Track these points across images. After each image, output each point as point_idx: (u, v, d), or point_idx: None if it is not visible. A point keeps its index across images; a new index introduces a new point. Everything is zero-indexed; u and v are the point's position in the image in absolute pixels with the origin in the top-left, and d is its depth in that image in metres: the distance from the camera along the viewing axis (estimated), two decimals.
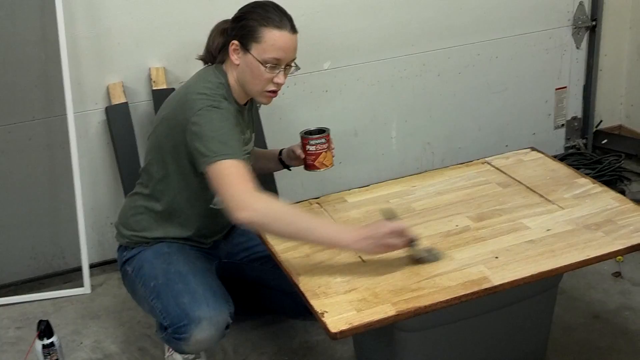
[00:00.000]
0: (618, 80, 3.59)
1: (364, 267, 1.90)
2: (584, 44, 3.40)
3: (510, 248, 1.94)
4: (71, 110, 2.57)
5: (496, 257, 1.90)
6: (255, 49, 2.02)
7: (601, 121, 3.60)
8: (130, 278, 2.19)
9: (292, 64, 2.09)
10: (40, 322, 2.21)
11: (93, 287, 2.76)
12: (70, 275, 2.83)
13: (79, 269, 2.77)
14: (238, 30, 2.05)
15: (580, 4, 3.31)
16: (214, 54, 2.14)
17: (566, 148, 3.56)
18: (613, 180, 3.28)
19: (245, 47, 2.04)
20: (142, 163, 2.67)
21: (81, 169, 2.65)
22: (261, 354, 2.37)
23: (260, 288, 2.40)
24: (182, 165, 2.07)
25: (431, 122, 3.22)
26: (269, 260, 2.24)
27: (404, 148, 3.21)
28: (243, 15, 2.07)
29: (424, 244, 1.92)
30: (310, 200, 2.25)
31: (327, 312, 1.74)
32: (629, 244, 1.95)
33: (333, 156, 2.27)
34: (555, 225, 2.04)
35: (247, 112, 2.20)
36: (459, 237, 2.00)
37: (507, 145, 3.29)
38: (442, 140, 3.26)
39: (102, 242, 2.86)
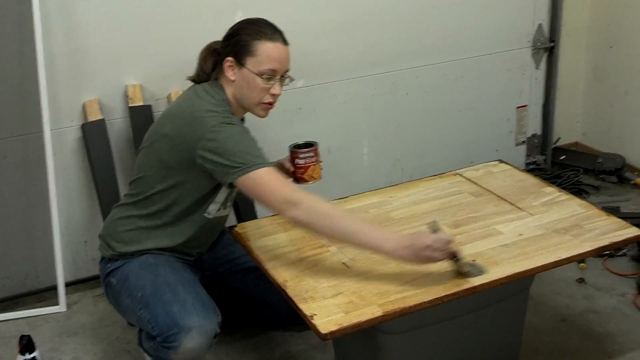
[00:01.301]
0: (575, 99, 3.74)
1: (348, 272, 1.96)
2: (543, 65, 3.54)
3: (486, 252, 2.02)
4: (48, 127, 2.57)
5: (474, 260, 1.97)
6: (250, 63, 2.08)
7: (559, 138, 3.73)
8: (114, 289, 2.20)
9: (287, 75, 2.16)
10: (22, 337, 2.20)
11: (68, 305, 2.75)
12: (43, 295, 2.82)
13: (52, 288, 2.76)
14: (232, 47, 2.11)
15: (540, 26, 3.45)
16: (208, 74, 2.18)
17: (527, 164, 3.67)
18: (572, 193, 3.39)
19: (240, 62, 2.10)
20: (118, 176, 2.71)
21: (57, 186, 2.65)
22: None
23: (242, 300, 2.43)
24: (187, 179, 2.11)
25: (401, 139, 3.30)
26: (252, 272, 2.29)
27: (375, 164, 3.28)
28: (235, 32, 2.13)
29: (466, 258, 1.95)
30: None
31: (316, 314, 1.78)
32: (597, 246, 2.06)
33: (321, 169, 2.32)
34: (527, 230, 2.13)
35: None
36: None
37: (472, 162, 3.34)
38: (411, 157, 3.34)
39: (76, 260, 2.85)
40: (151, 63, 2.72)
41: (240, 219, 2.77)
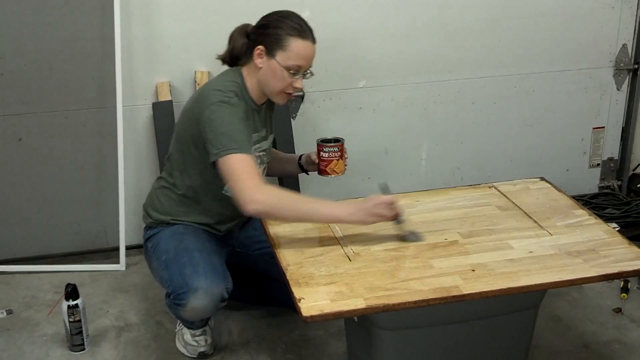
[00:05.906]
0: None
1: (348, 265, 2.06)
2: (625, 86, 3.44)
3: (489, 264, 2.04)
4: (120, 103, 2.85)
5: (473, 270, 2.01)
6: (280, 56, 2.24)
7: (639, 165, 3.63)
8: (149, 253, 2.45)
9: (309, 71, 2.31)
10: (68, 284, 2.45)
11: (128, 265, 3.03)
12: (110, 253, 3.10)
13: (118, 248, 3.03)
14: (264, 37, 2.27)
15: (624, 46, 3.37)
16: (238, 55, 2.35)
17: (600, 188, 3.59)
18: (638, 222, 3.30)
19: (270, 53, 2.25)
20: None
21: (127, 157, 2.92)
22: (262, 340, 2.56)
23: (268, 280, 2.59)
24: (199, 154, 2.29)
25: (462, 148, 3.33)
26: None
27: (433, 171, 3.33)
28: (269, 23, 2.28)
29: (408, 225, 2.13)
30: None
31: (304, 298, 1.90)
32: (604, 272, 2.02)
33: (345, 165, 2.46)
34: (539, 249, 2.13)
35: (264, 112, 2.42)
36: (444, 250, 2.12)
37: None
38: (472, 167, 3.37)
39: (142, 226, 3.09)
40: (219, 52, 2.90)
41: None
